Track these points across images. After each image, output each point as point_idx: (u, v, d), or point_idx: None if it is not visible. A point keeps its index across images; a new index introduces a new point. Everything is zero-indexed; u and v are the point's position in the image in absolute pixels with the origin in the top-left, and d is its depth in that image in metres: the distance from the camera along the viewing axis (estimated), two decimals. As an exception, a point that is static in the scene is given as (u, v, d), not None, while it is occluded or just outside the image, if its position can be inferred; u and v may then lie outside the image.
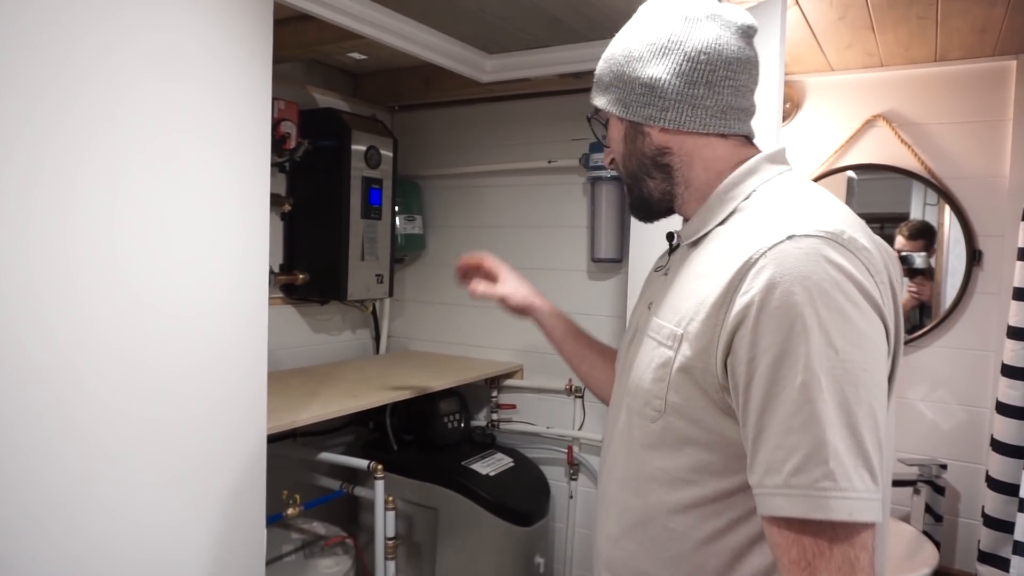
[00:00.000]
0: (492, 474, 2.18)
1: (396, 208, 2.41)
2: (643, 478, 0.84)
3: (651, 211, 0.94)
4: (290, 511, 1.72)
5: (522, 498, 2.18)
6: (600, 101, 0.93)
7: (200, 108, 1.18)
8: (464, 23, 1.84)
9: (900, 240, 2.09)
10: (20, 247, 0.96)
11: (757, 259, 0.72)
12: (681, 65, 0.83)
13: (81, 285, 1.03)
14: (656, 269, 0.99)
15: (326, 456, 1.88)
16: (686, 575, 0.81)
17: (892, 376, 0.77)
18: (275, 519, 1.71)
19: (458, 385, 2.19)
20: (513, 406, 2.45)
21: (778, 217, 0.75)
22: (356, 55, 2.20)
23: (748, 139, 0.89)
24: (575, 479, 2.33)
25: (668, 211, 0.94)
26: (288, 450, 2.04)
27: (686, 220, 0.92)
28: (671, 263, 0.93)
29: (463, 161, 2.52)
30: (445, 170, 2.55)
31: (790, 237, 0.71)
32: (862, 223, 0.79)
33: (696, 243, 0.87)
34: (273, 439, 1.97)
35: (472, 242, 2.54)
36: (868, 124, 2.09)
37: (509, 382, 2.44)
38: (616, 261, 2.21)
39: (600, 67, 0.93)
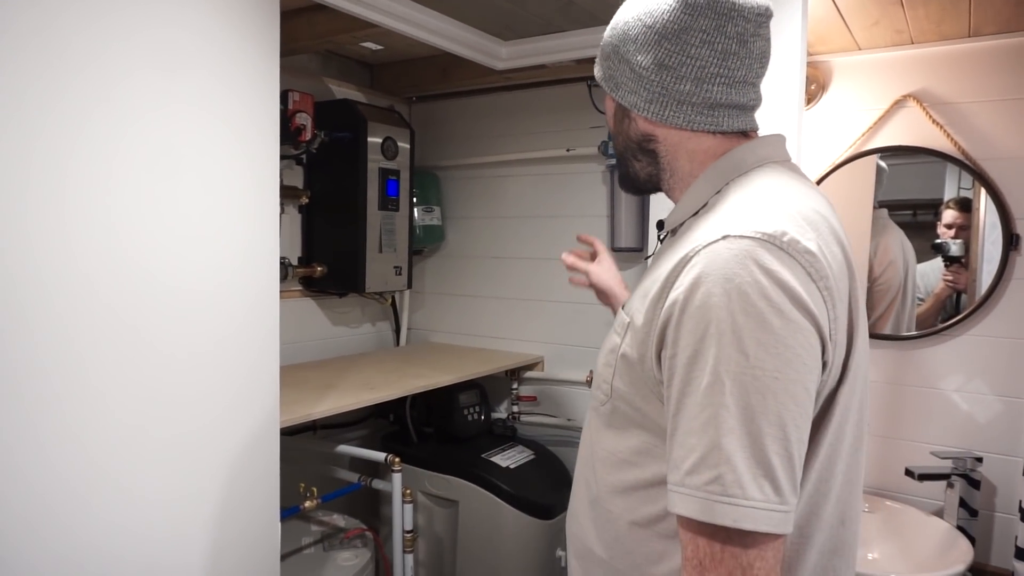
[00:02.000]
0: (513, 467, 2.16)
1: (414, 200, 2.39)
2: (595, 458, 0.86)
3: (638, 189, 0.94)
4: (307, 504, 1.72)
5: (543, 491, 2.16)
6: (597, 72, 0.91)
7: (205, 93, 1.17)
8: (476, 8, 1.81)
9: (952, 213, 2.00)
10: (17, 228, 0.96)
11: (692, 256, 0.71)
12: (671, 57, 0.79)
13: (86, 269, 1.03)
14: (646, 257, 0.99)
15: (344, 449, 1.88)
16: (620, 557, 0.82)
17: (841, 387, 0.74)
18: (292, 511, 1.71)
19: (478, 377, 2.18)
20: (534, 398, 2.43)
21: (725, 215, 0.75)
22: (371, 45, 2.18)
23: (745, 133, 0.85)
24: (597, 472, 2.30)
25: (656, 189, 0.92)
26: (307, 443, 2.05)
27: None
28: (656, 252, 0.94)
29: (481, 151, 2.50)
30: (463, 160, 2.53)
31: (724, 237, 0.70)
32: (823, 223, 0.75)
33: (675, 232, 0.87)
34: (292, 432, 1.98)
35: (492, 233, 2.52)
36: (898, 104, 2.01)
37: (530, 374, 2.42)
38: (636, 250, 2.17)
39: (606, 33, 0.89)
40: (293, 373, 2.01)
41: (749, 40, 0.79)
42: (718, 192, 0.81)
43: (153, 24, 1.09)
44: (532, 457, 2.25)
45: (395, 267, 2.30)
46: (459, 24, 1.90)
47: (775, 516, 0.65)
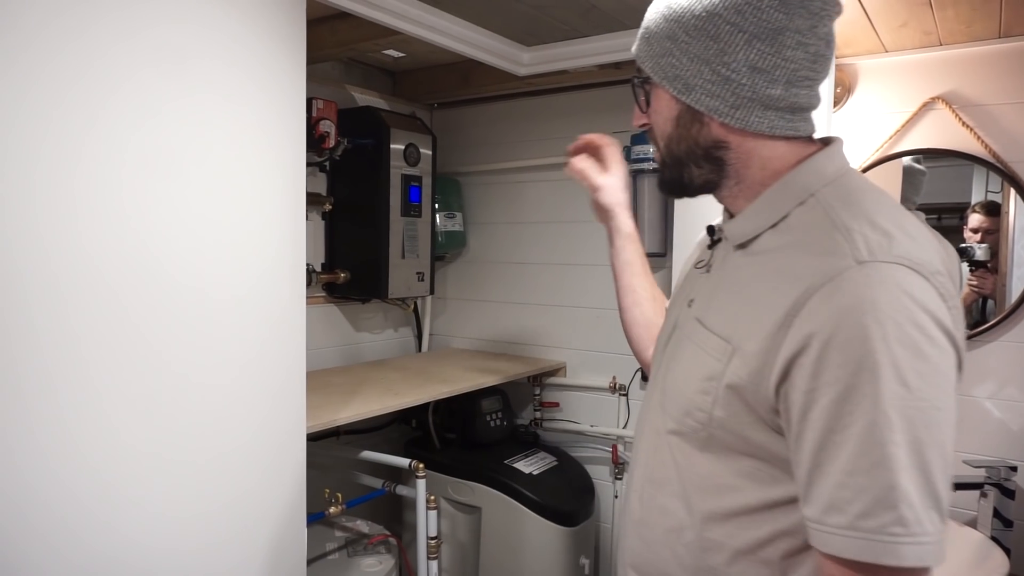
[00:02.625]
0: (536, 473, 2.15)
1: (436, 206, 2.40)
2: (683, 483, 0.80)
3: (684, 193, 0.86)
4: (332, 510, 1.72)
5: (566, 497, 2.15)
6: (654, 70, 0.80)
7: (229, 96, 1.18)
8: (500, 15, 1.82)
9: (978, 217, 1.97)
10: (27, 231, 0.96)
11: (824, 284, 0.66)
12: (764, 59, 0.73)
13: (103, 273, 1.03)
14: (697, 265, 0.92)
15: (368, 455, 1.88)
16: None
17: None
18: (317, 517, 1.71)
19: (500, 383, 2.17)
20: (556, 404, 2.42)
21: (846, 235, 0.69)
22: (393, 52, 2.19)
23: (809, 137, 0.81)
24: (620, 479, 2.28)
25: (703, 194, 0.86)
26: (331, 449, 2.05)
27: (730, 214, 0.85)
28: (713, 260, 0.87)
29: (503, 157, 2.50)
30: (485, 166, 2.53)
31: (860, 263, 0.66)
32: (931, 235, 0.73)
33: (743, 245, 0.80)
34: (316, 437, 1.99)
35: (513, 238, 2.52)
36: (926, 107, 1.98)
37: (552, 380, 2.41)
38: (660, 255, 2.15)
39: (656, 22, 0.80)
40: (317, 379, 2.02)
41: (831, 40, 0.76)
42: (801, 204, 0.75)
43: (172, 22, 1.09)
44: (555, 463, 2.24)
45: (418, 273, 2.30)
46: (482, 31, 1.90)
47: (941, 547, 0.64)
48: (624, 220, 1.13)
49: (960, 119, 1.93)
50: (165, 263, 1.09)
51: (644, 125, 0.87)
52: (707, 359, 0.77)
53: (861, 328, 0.63)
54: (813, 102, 0.78)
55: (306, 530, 1.35)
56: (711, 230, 0.89)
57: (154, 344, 1.08)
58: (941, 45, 1.94)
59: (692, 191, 0.85)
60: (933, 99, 1.96)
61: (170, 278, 1.10)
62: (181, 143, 1.11)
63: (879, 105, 2.05)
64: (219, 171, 1.17)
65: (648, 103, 0.84)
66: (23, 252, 0.93)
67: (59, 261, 0.97)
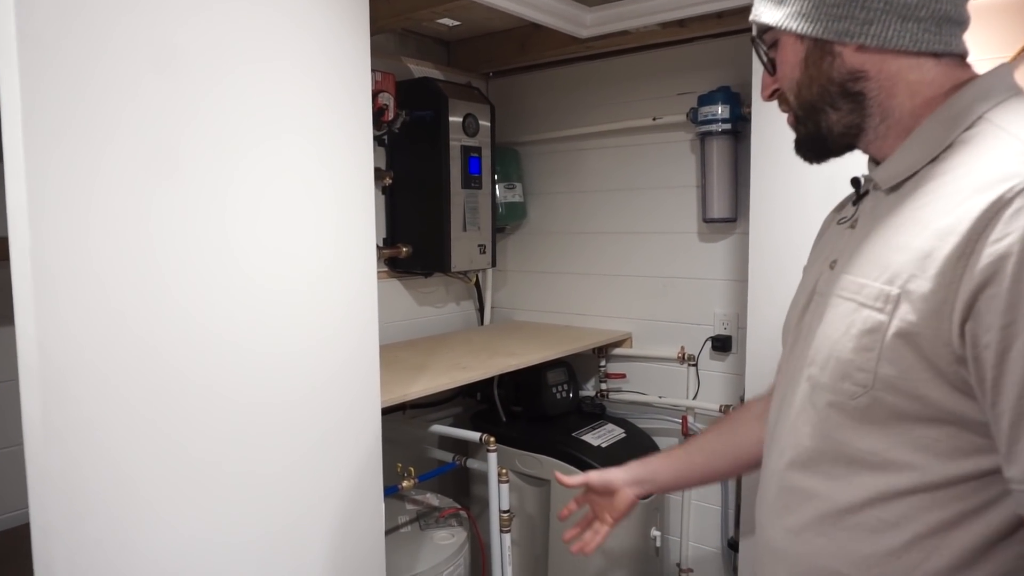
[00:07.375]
0: (604, 445, 2.12)
1: (495, 177, 2.36)
2: (840, 460, 0.72)
3: (826, 150, 0.79)
4: (405, 483, 1.73)
5: (636, 470, 2.12)
6: (773, 16, 0.76)
7: (299, 80, 1.16)
8: (561, -25, 1.75)
9: None
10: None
11: (1012, 198, 0.58)
12: None
13: (202, 272, 1.04)
14: (839, 222, 0.84)
15: (438, 428, 1.88)
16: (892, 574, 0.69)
17: None
18: (391, 491, 1.72)
19: (566, 355, 2.14)
20: (623, 375, 2.38)
21: None
22: (448, 21, 2.14)
23: (963, 58, 0.73)
24: (690, 450, 2.23)
25: (847, 148, 0.79)
26: (397, 423, 2.06)
27: (876, 160, 0.77)
28: (859, 213, 0.79)
29: (562, 124, 2.44)
30: (544, 135, 2.48)
31: None
32: None
33: (897, 187, 0.73)
34: (384, 412, 2.00)
35: (575, 208, 2.46)
36: (1024, 51, 1.84)
37: (618, 351, 2.37)
38: (730, 220, 2.08)
39: None
40: (383, 353, 2.00)
41: None
42: (968, 129, 0.67)
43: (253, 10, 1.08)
44: (623, 436, 2.20)
45: (479, 245, 2.28)
46: (542, -8, 1.84)
47: None
48: (634, 474, 1.16)
49: (1063, 63, 1.78)
50: (242, 261, 1.10)
51: (775, 92, 0.81)
52: (865, 312, 0.68)
53: None
54: (963, 14, 0.71)
55: (383, 503, 1.36)
56: (856, 182, 0.82)
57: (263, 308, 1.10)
58: (1042, -18, 1.78)
59: (833, 144, 0.78)
60: (1033, 42, 1.82)
61: (245, 276, 1.10)
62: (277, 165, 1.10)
63: (972, 52, 1.91)
64: (292, 147, 1.16)
65: (775, 65, 0.79)
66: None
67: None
